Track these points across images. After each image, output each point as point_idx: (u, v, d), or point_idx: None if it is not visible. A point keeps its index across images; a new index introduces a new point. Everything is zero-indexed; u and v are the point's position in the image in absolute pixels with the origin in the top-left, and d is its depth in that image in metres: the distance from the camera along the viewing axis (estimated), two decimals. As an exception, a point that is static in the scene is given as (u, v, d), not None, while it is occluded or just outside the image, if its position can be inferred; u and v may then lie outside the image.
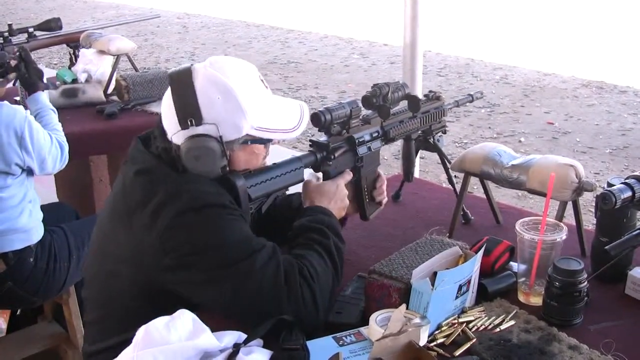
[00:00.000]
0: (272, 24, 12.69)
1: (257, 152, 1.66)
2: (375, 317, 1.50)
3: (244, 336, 1.44)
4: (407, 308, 1.54)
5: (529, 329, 1.58)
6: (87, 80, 3.43)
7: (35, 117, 2.64)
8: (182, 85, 1.56)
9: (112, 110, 3.20)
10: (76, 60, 3.57)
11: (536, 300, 1.69)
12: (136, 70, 3.72)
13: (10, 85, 3.09)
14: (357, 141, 1.85)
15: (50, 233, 2.70)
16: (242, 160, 1.63)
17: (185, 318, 1.38)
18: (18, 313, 3.03)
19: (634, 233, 1.58)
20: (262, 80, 1.66)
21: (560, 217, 1.87)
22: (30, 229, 2.59)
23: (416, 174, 2.87)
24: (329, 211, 1.73)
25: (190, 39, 11.67)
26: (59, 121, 2.82)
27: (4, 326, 2.98)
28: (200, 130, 1.55)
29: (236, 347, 1.40)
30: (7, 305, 2.75)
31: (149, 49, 10.74)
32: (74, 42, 3.58)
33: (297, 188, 1.81)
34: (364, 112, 1.88)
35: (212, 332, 1.42)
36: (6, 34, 3.38)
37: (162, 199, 1.51)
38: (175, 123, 1.57)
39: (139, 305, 1.57)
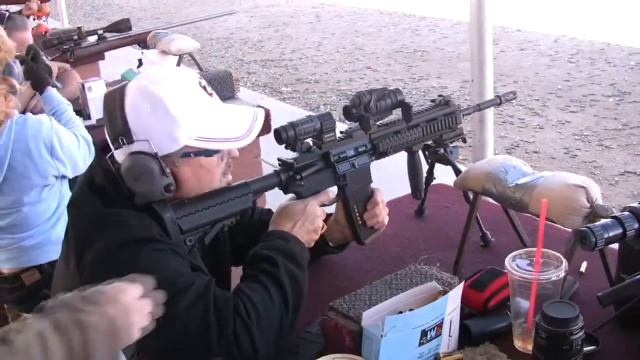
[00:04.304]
0: (405, 11, 12.41)
1: (207, 166, 1.50)
2: (314, 366, 1.31)
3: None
4: (360, 354, 1.35)
5: (510, 385, 1.33)
6: (150, 82, 3.39)
7: (52, 115, 2.59)
8: (113, 102, 1.45)
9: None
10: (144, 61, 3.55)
11: (534, 347, 1.43)
12: (201, 70, 3.66)
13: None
14: (335, 157, 1.65)
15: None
16: (190, 176, 1.48)
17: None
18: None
19: (633, 279, 1.28)
20: (204, 88, 1.50)
21: (571, 248, 1.56)
22: None
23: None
24: (289, 235, 1.55)
25: (321, 28, 11.62)
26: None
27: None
28: (134, 147, 1.42)
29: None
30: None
31: (278, 39, 10.78)
32: (143, 43, 3.56)
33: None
34: (350, 125, 1.68)
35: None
36: (76, 37, 3.41)
37: (86, 237, 1.41)
38: (110, 143, 1.47)
39: None
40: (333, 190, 1.70)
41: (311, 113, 3.07)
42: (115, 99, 1.45)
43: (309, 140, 1.64)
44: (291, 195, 1.66)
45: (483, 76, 2.89)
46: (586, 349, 1.35)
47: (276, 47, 10.31)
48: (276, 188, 1.62)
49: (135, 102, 1.43)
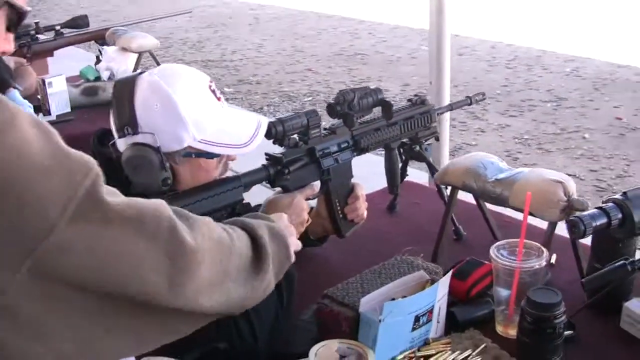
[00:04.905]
0: (343, 14, 12.52)
1: (205, 167, 1.54)
2: (316, 350, 1.36)
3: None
4: (357, 339, 1.41)
5: (496, 367, 1.40)
6: (109, 79, 3.38)
7: None
8: (123, 92, 1.48)
9: (129, 108, 3.13)
10: (102, 58, 3.53)
11: (515, 333, 1.50)
12: (160, 67, 3.65)
13: None
14: (320, 152, 1.70)
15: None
16: (188, 174, 1.53)
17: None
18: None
19: (616, 265, 1.38)
20: (213, 92, 1.55)
21: (548, 239, 1.66)
22: None
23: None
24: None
25: (260, 30, 11.61)
26: (77, 119, 2.77)
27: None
28: (138, 139, 1.45)
29: (159, 377, 1.31)
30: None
31: (217, 40, 10.73)
32: (101, 39, 3.54)
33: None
34: (333, 122, 1.74)
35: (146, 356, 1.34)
36: (33, 32, 3.37)
37: None
38: (115, 131, 1.49)
39: None
40: (317, 184, 1.76)
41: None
42: (125, 89, 1.47)
43: (295, 136, 1.69)
44: (277, 189, 1.71)
45: (441, 79, 2.99)
46: (565, 333, 1.44)
47: (216, 47, 10.26)
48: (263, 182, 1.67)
49: (145, 97, 1.46)
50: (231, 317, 1.40)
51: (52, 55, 4.01)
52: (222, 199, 1.56)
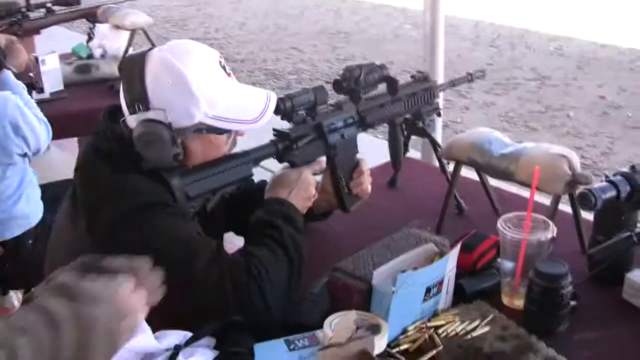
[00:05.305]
0: (326, -8, 12.48)
1: (216, 143, 1.56)
2: (331, 321, 1.39)
3: (189, 336, 1.37)
4: (369, 311, 1.43)
5: (505, 337, 1.43)
6: (102, 56, 3.37)
7: None
8: (133, 68, 1.49)
9: (123, 86, 3.11)
10: (94, 35, 3.51)
11: (520, 303, 1.54)
12: (153, 45, 3.63)
13: None
14: (326, 128, 1.72)
15: (52, 213, 2.65)
16: (198, 150, 1.54)
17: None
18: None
19: (623, 236, 1.42)
20: (223, 67, 1.56)
21: (552, 212, 1.70)
22: (29, 213, 2.55)
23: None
24: (287, 202, 1.63)
25: (243, 8, 11.55)
26: (71, 97, 2.76)
27: (18, 303, 2.98)
28: (150, 115, 1.46)
29: (176, 349, 1.33)
30: (10, 286, 2.73)
31: (201, 18, 10.68)
32: (92, 17, 3.51)
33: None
34: (338, 97, 1.76)
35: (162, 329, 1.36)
36: (24, 9, 3.35)
37: (97, 201, 1.46)
38: (126, 107, 1.50)
39: None
40: (323, 159, 1.78)
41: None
42: (135, 65, 1.48)
43: (302, 112, 1.71)
44: (285, 164, 1.73)
45: (435, 57, 3.03)
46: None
47: (199, 25, 10.22)
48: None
49: (156, 73, 1.47)
50: (244, 288, 1.43)
51: (39, 33, 3.99)
52: (233, 174, 1.58)
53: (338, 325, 1.32)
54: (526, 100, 6.21)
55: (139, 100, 1.46)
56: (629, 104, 5.98)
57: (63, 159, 4.22)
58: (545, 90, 6.44)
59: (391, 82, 1.81)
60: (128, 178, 1.47)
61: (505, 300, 1.59)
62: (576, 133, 5.45)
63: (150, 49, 1.53)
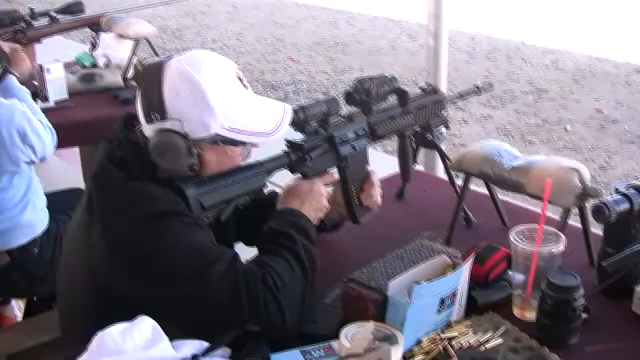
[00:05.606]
0: (322, 4, 12.52)
1: (231, 154, 1.56)
2: (346, 331, 1.40)
3: (205, 345, 1.37)
4: (384, 321, 1.44)
5: (517, 348, 1.45)
6: (106, 65, 3.37)
7: None
8: (151, 77, 1.50)
9: (127, 96, 3.12)
10: (98, 44, 3.52)
11: (531, 316, 1.56)
12: (156, 54, 3.64)
13: None
14: (338, 140, 1.74)
15: (57, 222, 2.65)
16: (213, 161, 1.55)
17: (144, 325, 1.31)
18: (35, 299, 3.01)
19: (636, 249, 1.43)
20: (240, 79, 1.56)
21: (563, 225, 1.72)
22: (35, 222, 2.55)
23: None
24: (299, 212, 1.64)
25: (239, 19, 11.58)
26: (76, 105, 2.76)
27: (20, 312, 2.98)
28: (166, 125, 1.47)
29: (193, 359, 1.33)
30: (14, 295, 2.73)
31: (197, 29, 10.70)
32: (96, 26, 3.51)
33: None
34: (349, 109, 1.78)
35: (178, 339, 1.36)
36: (28, 18, 3.35)
37: (113, 207, 1.46)
38: (142, 116, 1.51)
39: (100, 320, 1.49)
40: (335, 171, 1.79)
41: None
42: (153, 75, 1.48)
43: (314, 123, 1.72)
44: (297, 175, 1.74)
45: (438, 69, 3.06)
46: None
47: (196, 36, 10.24)
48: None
49: (174, 84, 1.47)
50: (260, 298, 1.44)
51: (40, 42, 3.99)
52: (247, 184, 1.59)
53: (356, 335, 1.32)
54: (523, 113, 6.25)
55: (156, 109, 1.47)
56: (625, 118, 6.02)
57: (63, 170, 4.23)
58: (542, 104, 6.48)
59: (402, 95, 1.83)
60: (144, 186, 1.48)
61: (516, 312, 1.60)
62: (573, 147, 5.49)
63: (168, 59, 1.54)
